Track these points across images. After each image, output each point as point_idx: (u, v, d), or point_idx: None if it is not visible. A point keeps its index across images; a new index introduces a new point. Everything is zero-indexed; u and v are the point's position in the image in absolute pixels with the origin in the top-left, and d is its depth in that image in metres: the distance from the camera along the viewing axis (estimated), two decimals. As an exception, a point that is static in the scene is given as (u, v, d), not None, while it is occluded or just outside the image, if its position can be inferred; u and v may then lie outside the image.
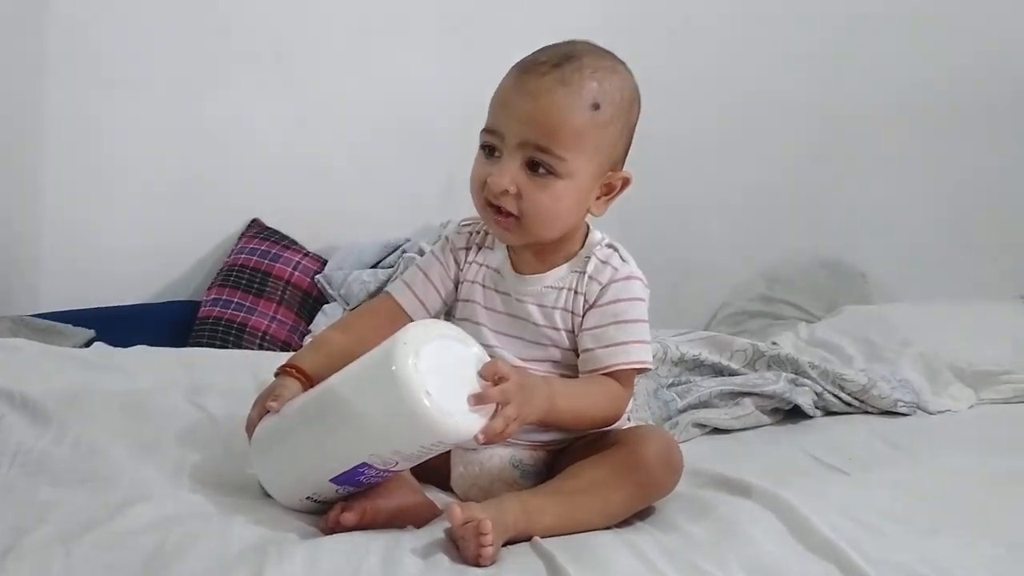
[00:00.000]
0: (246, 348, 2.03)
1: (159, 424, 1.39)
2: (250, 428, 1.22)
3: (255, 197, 2.27)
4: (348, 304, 2.11)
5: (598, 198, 1.27)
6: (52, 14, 2.08)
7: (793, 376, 1.76)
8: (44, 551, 1.03)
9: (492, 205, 1.24)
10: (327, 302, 2.16)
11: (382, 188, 2.33)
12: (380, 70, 2.28)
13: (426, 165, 2.30)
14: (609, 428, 1.28)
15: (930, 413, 1.78)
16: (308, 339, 2.03)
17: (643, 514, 1.24)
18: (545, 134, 1.20)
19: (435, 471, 1.27)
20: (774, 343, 1.99)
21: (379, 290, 2.05)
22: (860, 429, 1.69)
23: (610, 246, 1.30)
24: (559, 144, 1.20)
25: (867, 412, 1.76)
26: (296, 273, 2.19)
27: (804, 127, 2.51)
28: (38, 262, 2.17)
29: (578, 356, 1.28)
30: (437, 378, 1.07)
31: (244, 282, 2.14)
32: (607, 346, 1.25)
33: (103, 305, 2.10)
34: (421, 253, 2.04)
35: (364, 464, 1.12)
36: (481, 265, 1.33)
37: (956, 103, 2.55)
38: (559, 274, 1.29)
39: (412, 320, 1.29)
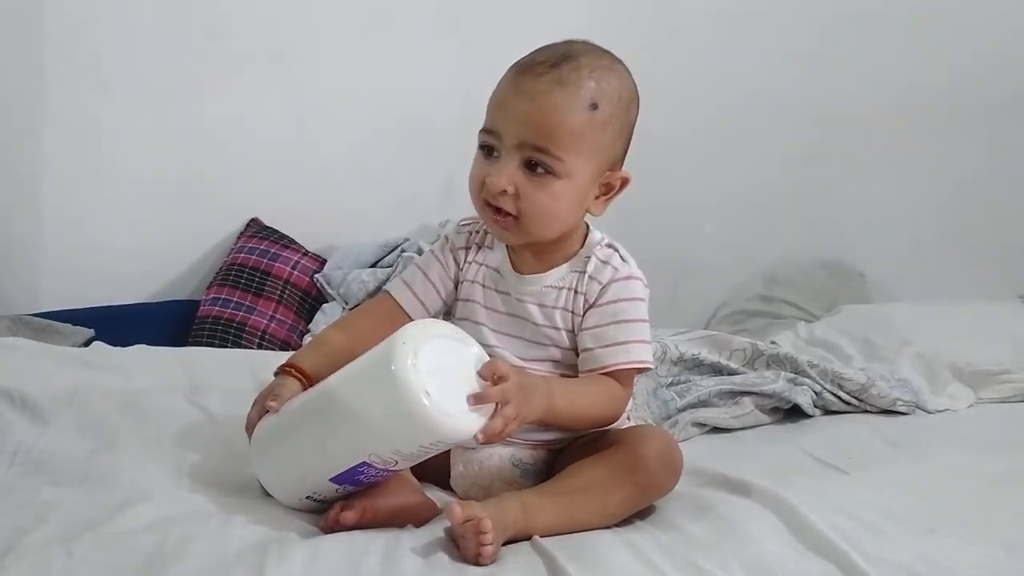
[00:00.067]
0: (245, 347, 2.03)
1: (159, 424, 1.39)
2: (250, 428, 1.22)
3: (254, 197, 2.28)
4: (347, 304, 2.11)
5: (597, 198, 1.27)
6: (52, 15, 2.08)
7: (792, 375, 1.76)
8: (44, 551, 1.03)
9: (491, 205, 1.24)
10: (326, 301, 2.16)
11: (381, 188, 2.33)
12: (380, 70, 2.28)
13: (425, 165, 2.30)
14: (609, 427, 1.28)
15: (929, 412, 1.78)
16: (307, 338, 2.03)
17: (643, 513, 1.24)
18: (543, 135, 1.20)
19: (435, 470, 1.26)
20: (773, 342, 1.99)
21: (378, 290, 2.05)
22: (859, 428, 1.68)
23: (610, 246, 1.30)
24: (557, 144, 1.20)
25: (866, 411, 1.76)
26: (295, 272, 2.19)
27: (803, 127, 2.51)
28: (37, 262, 2.18)
29: (578, 356, 1.28)
30: (436, 378, 1.07)
31: (243, 281, 2.14)
32: (607, 346, 1.25)
33: (102, 304, 2.11)
34: (420, 253, 2.04)
35: (364, 463, 1.12)
36: (481, 265, 1.33)
37: (956, 103, 2.55)
38: (559, 274, 1.29)
39: (411, 319, 1.29)
